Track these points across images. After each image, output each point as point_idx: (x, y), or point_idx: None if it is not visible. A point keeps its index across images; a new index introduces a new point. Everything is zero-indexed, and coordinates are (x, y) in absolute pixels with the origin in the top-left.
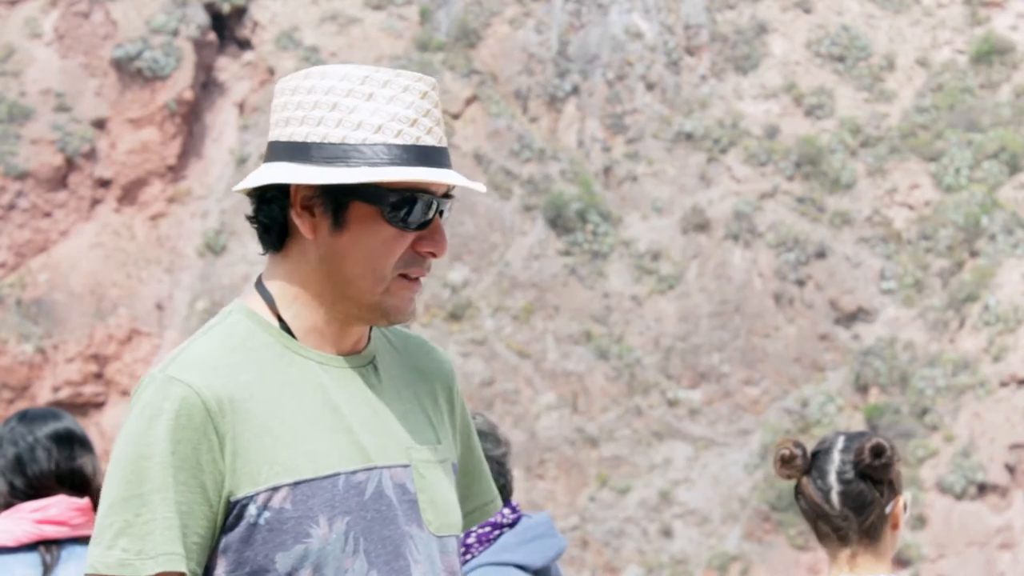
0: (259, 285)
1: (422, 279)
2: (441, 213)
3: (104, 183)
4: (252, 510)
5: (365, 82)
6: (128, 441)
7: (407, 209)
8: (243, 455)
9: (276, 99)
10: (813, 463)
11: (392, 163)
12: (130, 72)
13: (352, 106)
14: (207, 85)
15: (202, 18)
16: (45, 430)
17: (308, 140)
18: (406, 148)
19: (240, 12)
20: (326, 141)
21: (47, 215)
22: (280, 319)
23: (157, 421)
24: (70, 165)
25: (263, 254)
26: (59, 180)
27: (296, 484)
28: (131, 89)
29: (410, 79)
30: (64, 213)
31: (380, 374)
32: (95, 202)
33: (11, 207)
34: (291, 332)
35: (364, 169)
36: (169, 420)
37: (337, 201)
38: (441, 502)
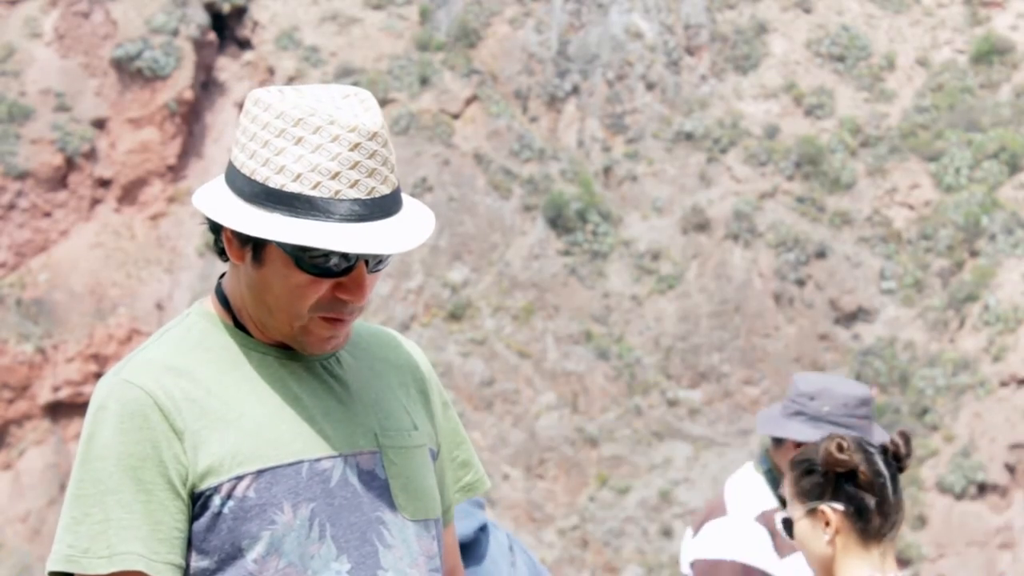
0: (218, 288)
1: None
2: (367, 263)
3: (104, 183)
4: (216, 500)
5: (298, 124)
6: (84, 444)
7: (323, 258)
8: (204, 449)
9: (241, 114)
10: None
11: (303, 215)
12: (130, 72)
13: (280, 148)
14: (207, 85)
15: (202, 18)
16: None
17: (242, 170)
18: (321, 202)
19: (240, 12)
20: (253, 177)
21: (47, 215)
22: (236, 319)
23: (111, 424)
24: (70, 165)
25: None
26: (59, 180)
27: (260, 472)
28: (131, 89)
29: (343, 128)
30: (64, 213)
31: (344, 364)
32: (95, 202)
33: (11, 207)
34: (248, 331)
35: (277, 217)
36: (124, 423)
37: (255, 239)
38: (415, 487)
